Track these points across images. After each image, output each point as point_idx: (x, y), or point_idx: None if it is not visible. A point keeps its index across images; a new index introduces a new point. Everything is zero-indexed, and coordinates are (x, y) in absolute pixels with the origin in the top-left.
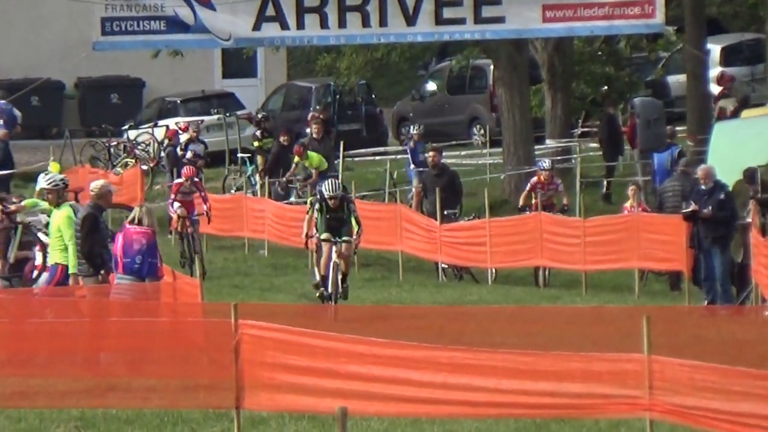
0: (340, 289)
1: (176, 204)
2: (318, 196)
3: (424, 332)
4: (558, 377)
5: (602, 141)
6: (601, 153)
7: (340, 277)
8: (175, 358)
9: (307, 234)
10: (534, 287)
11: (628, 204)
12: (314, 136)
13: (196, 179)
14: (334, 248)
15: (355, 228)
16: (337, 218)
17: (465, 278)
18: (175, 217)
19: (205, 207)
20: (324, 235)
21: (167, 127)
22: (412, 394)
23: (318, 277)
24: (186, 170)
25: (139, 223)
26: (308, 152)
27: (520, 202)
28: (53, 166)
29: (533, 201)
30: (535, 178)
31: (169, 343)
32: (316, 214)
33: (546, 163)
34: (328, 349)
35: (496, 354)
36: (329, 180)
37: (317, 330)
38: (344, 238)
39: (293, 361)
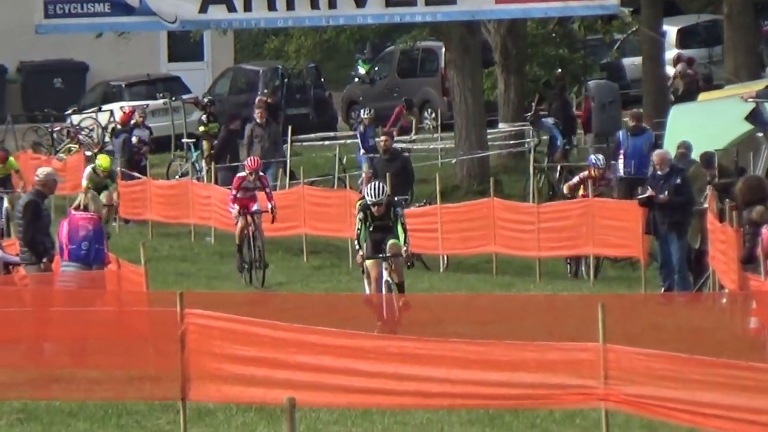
0: (397, 312)
1: (235, 206)
2: (361, 204)
3: (375, 321)
4: (512, 367)
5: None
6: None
7: (395, 293)
8: (120, 348)
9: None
10: (487, 275)
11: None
12: (257, 121)
13: (261, 173)
14: (383, 265)
15: (402, 236)
16: (382, 227)
17: (416, 265)
18: (235, 213)
19: (269, 204)
20: (368, 262)
21: (110, 111)
22: (362, 384)
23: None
24: (250, 162)
25: (85, 209)
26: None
27: (565, 190)
28: (102, 160)
29: (580, 193)
30: (585, 172)
31: (113, 333)
32: (358, 225)
33: (601, 161)
34: (276, 339)
35: (447, 343)
36: (372, 184)
37: (265, 319)
38: (391, 241)
39: (240, 352)
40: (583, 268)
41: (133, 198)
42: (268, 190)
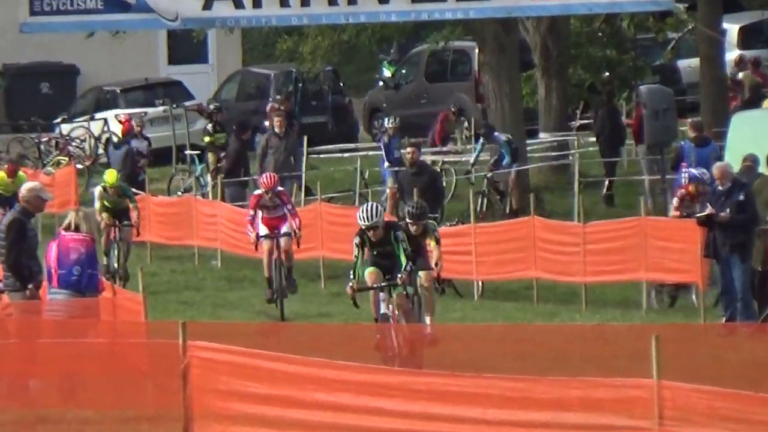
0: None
1: (260, 227)
2: (359, 230)
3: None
4: (555, 406)
5: (600, 135)
6: (599, 149)
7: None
8: (115, 384)
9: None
10: (526, 302)
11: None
12: (276, 130)
13: (279, 188)
14: (394, 295)
15: (403, 262)
16: (384, 253)
17: (447, 292)
18: (253, 237)
19: (294, 224)
20: (359, 284)
21: (104, 120)
22: (387, 425)
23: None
24: (266, 179)
25: (76, 229)
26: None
27: (674, 213)
28: (109, 176)
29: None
30: (683, 190)
31: (108, 367)
32: (356, 252)
33: (706, 175)
34: (291, 375)
35: (481, 379)
36: (365, 206)
37: (278, 352)
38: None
39: (250, 389)
40: (653, 296)
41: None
42: (289, 207)
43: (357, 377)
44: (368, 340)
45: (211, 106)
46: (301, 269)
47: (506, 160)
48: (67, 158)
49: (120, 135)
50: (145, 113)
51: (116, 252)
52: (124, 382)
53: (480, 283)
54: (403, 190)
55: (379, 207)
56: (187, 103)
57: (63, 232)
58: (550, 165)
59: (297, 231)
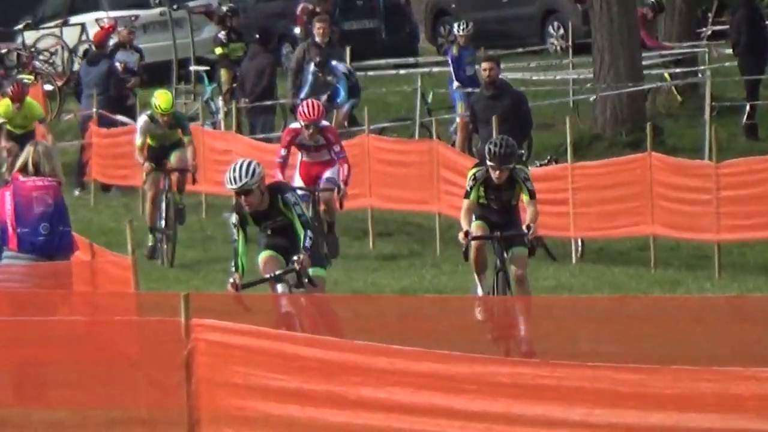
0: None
1: (296, 177)
2: (476, 172)
3: (473, 336)
4: (680, 404)
5: (737, 46)
6: (737, 64)
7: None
8: (96, 377)
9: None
10: (641, 267)
11: None
12: (317, 39)
13: (324, 123)
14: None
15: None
16: (279, 230)
17: (536, 254)
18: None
19: (342, 173)
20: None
21: (82, 26)
22: (458, 430)
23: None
24: (308, 109)
25: (36, 171)
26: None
27: None
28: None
29: None
30: None
31: (85, 355)
32: (234, 233)
33: None
34: (328, 364)
35: (584, 369)
36: (236, 164)
37: (310, 334)
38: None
39: (274, 381)
40: None
41: (116, 153)
42: (337, 148)
43: (417, 367)
44: (434, 319)
45: (224, 8)
46: (342, 223)
47: (341, 98)
48: (32, 76)
49: (96, 47)
50: (136, 17)
51: (164, 207)
52: (107, 375)
53: (580, 242)
54: (478, 119)
55: (254, 164)
56: (191, 4)
57: (19, 176)
58: (673, 85)
59: (342, 185)
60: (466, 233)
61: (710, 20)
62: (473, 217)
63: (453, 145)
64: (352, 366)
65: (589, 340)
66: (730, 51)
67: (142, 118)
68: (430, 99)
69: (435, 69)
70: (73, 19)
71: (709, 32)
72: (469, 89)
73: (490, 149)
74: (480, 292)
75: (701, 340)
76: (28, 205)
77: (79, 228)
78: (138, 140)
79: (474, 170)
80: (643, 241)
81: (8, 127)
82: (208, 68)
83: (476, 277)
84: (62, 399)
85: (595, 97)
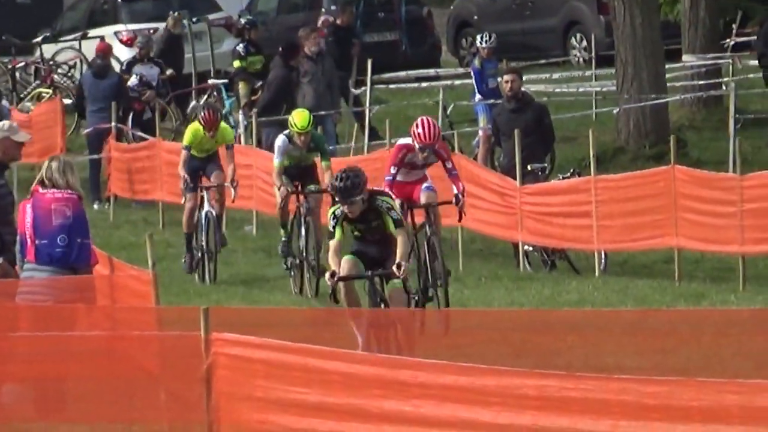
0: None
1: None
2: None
3: (498, 349)
4: (706, 417)
5: (764, 57)
6: (762, 76)
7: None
8: (115, 392)
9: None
10: (665, 280)
11: None
12: (307, 51)
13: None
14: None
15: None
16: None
17: (559, 266)
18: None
19: (458, 190)
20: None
21: (101, 39)
22: None
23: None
24: (424, 129)
25: (55, 185)
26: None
27: None
28: (298, 117)
29: None
30: None
31: (106, 369)
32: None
33: None
34: (351, 377)
35: (610, 381)
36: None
37: (333, 348)
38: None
39: (296, 395)
40: None
41: (136, 168)
42: (450, 165)
43: (440, 379)
44: (457, 331)
45: (243, 20)
46: None
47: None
48: (50, 90)
49: (101, 59)
50: (155, 30)
51: (304, 233)
52: (128, 389)
53: (603, 255)
54: (501, 132)
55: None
56: (211, 17)
57: (39, 189)
58: (696, 97)
59: (460, 196)
60: (333, 273)
61: (734, 31)
62: (349, 251)
63: (475, 158)
64: (374, 379)
65: (614, 354)
66: (754, 62)
67: (280, 138)
68: (450, 112)
69: (457, 82)
70: (93, 32)
71: (733, 43)
72: (492, 101)
73: (333, 185)
74: (360, 341)
75: (726, 353)
76: (46, 217)
77: (98, 242)
78: (275, 161)
79: (332, 209)
80: (667, 254)
81: (193, 152)
82: (227, 81)
83: (352, 324)
84: (83, 413)
85: (618, 109)
